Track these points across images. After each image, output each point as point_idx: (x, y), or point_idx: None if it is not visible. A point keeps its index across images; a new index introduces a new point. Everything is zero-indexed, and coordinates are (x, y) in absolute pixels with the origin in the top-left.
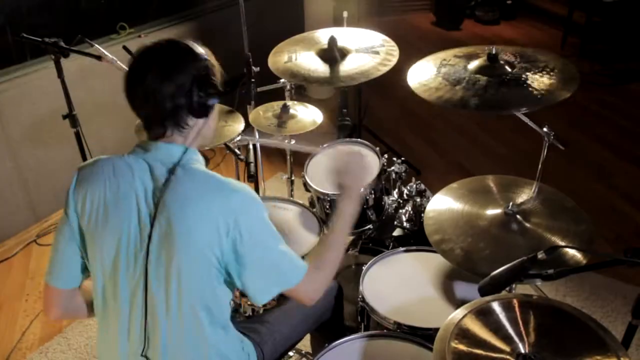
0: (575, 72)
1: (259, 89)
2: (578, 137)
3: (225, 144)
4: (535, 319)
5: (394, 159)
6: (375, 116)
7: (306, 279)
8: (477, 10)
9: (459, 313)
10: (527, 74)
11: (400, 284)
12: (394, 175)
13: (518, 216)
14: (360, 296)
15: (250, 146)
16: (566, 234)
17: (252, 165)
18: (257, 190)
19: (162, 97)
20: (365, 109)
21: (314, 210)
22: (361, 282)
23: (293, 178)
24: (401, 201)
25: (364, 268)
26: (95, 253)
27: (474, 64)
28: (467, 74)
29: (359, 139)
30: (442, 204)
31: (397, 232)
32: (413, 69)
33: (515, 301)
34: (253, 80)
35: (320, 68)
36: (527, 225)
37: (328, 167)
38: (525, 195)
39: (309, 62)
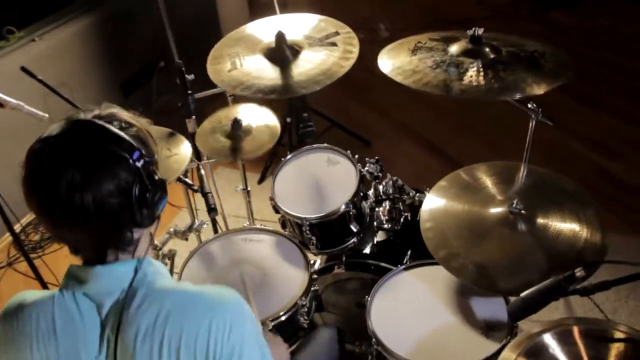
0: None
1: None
2: None
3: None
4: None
5: (367, 159)
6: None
7: None
8: None
9: (506, 357)
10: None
11: (412, 313)
12: (368, 177)
13: (524, 212)
14: (372, 338)
15: (202, 171)
16: (578, 224)
17: (210, 195)
18: (214, 224)
19: (86, 216)
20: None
21: (289, 235)
22: (368, 319)
23: (249, 188)
24: (378, 201)
25: (367, 301)
26: None
27: (454, 48)
28: (448, 57)
29: (326, 144)
30: (437, 209)
31: (379, 237)
32: (383, 52)
33: (575, 330)
34: (190, 92)
35: (272, 73)
36: (536, 222)
37: (299, 182)
38: (520, 184)
39: (258, 66)
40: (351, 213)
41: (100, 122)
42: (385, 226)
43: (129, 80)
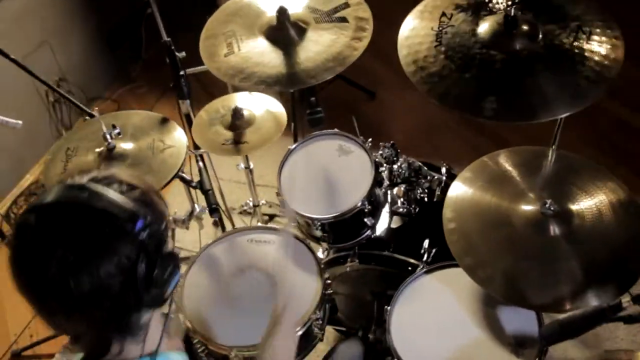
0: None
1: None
2: None
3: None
4: None
5: (381, 143)
6: None
7: None
8: None
9: None
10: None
11: (435, 326)
12: (383, 162)
13: (557, 213)
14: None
15: (200, 164)
16: (619, 228)
17: (211, 193)
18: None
19: (84, 303)
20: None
21: (298, 234)
22: (389, 334)
23: (252, 166)
24: (392, 184)
25: (387, 311)
26: None
27: (484, 28)
28: (477, 48)
29: (336, 130)
30: (462, 206)
31: (395, 223)
32: (402, 33)
33: None
34: (182, 73)
35: (275, 58)
36: (571, 225)
37: (308, 175)
38: (550, 174)
39: (258, 49)
40: (366, 210)
41: (97, 187)
42: (401, 210)
43: (114, 34)
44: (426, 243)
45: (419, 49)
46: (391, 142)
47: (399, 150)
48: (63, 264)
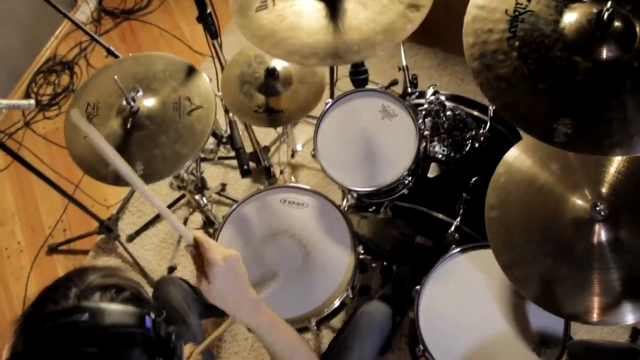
0: None
1: None
2: None
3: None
4: None
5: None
6: None
7: None
8: None
9: None
10: None
11: (463, 314)
12: (426, 115)
13: (607, 218)
14: (419, 344)
15: (231, 114)
16: None
17: (242, 151)
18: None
19: None
20: None
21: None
22: (417, 316)
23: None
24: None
25: (418, 291)
26: None
27: (569, 21)
28: (558, 49)
29: (380, 85)
30: (510, 185)
31: (432, 172)
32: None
33: None
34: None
35: (315, 23)
36: (620, 233)
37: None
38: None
39: (297, 7)
40: (406, 181)
41: (90, 304)
42: (439, 157)
43: None
44: (463, 198)
45: (488, 40)
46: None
47: (442, 100)
48: None
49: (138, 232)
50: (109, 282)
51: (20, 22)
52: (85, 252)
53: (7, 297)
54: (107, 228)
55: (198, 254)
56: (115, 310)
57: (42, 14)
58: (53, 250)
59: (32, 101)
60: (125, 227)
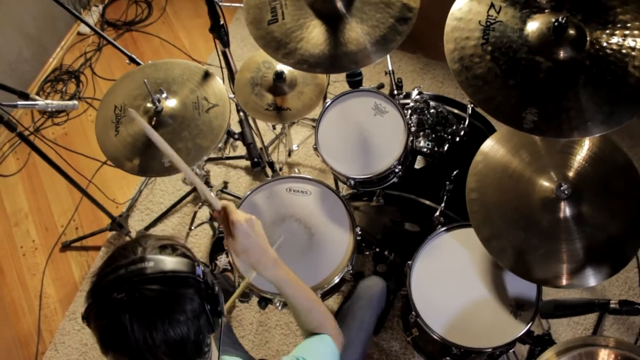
0: None
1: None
2: None
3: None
4: None
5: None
6: None
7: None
8: None
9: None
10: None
11: (449, 282)
12: (412, 112)
13: (570, 197)
14: (412, 312)
15: (242, 113)
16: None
17: (253, 146)
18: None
19: (177, 349)
20: None
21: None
22: (409, 287)
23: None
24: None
25: (410, 265)
26: None
27: (532, 29)
28: (524, 52)
29: (372, 86)
30: (487, 171)
31: (418, 163)
32: (449, 22)
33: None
34: (222, 23)
35: (319, 35)
36: (582, 209)
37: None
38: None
39: (302, 20)
40: (396, 170)
41: (155, 256)
42: (425, 150)
43: None
44: (447, 187)
45: (465, 46)
46: (418, 91)
47: (426, 98)
48: (161, 332)
49: (147, 228)
50: (166, 243)
51: (28, 32)
52: (97, 248)
53: (24, 292)
54: (119, 224)
55: (225, 217)
56: (173, 260)
57: (48, 26)
58: (67, 247)
59: (76, 102)
60: (135, 224)
